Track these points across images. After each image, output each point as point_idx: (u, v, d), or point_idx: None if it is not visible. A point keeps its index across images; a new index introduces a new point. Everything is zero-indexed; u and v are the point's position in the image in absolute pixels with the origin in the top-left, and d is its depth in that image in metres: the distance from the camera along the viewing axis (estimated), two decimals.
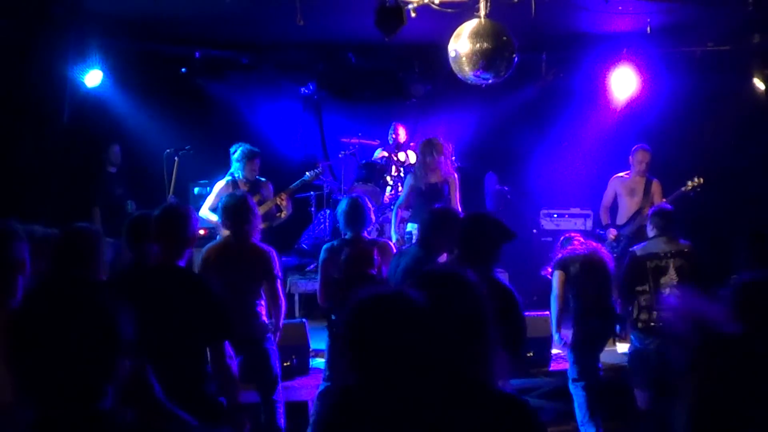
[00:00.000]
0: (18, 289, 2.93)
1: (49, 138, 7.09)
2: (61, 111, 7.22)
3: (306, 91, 9.71)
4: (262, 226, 6.62)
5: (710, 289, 5.29)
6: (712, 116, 8.40)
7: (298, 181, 7.47)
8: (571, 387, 5.54)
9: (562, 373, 5.86)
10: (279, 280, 5.04)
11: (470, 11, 6.02)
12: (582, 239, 5.78)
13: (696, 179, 7.22)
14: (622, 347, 6.55)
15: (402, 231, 7.12)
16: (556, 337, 5.74)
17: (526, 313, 6.67)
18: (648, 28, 7.25)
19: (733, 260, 4.54)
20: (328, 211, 9.30)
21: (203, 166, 8.07)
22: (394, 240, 6.91)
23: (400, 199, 7.20)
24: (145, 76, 8.48)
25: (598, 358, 5.65)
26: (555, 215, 8.89)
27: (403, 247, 6.42)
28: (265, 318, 5.03)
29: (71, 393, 1.90)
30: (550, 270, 5.74)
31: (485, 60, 5.88)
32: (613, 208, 7.79)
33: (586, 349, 5.53)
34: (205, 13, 7.24)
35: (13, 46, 6.57)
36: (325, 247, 5.32)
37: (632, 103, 8.58)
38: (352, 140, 9.37)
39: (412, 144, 9.05)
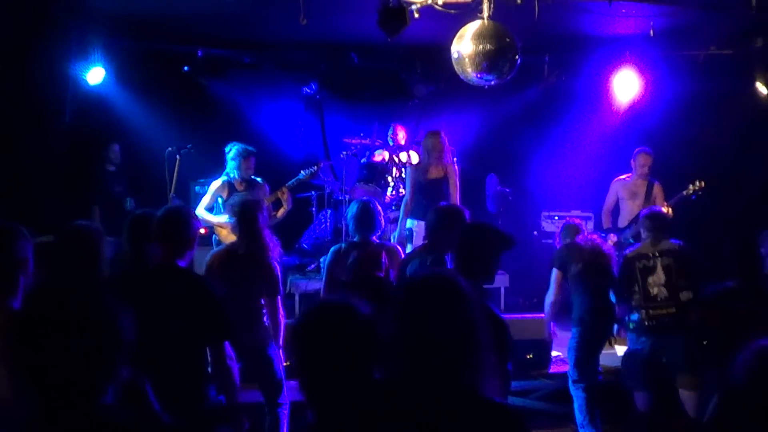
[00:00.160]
0: (19, 288, 2.93)
1: (51, 136, 7.09)
2: (63, 109, 7.21)
3: (308, 90, 9.71)
4: None
5: (697, 288, 5.36)
6: (715, 119, 8.40)
7: (293, 180, 7.46)
8: (572, 388, 5.54)
9: (562, 376, 5.87)
10: (280, 297, 5.02)
11: (473, 12, 6.02)
12: (585, 232, 5.75)
13: (698, 183, 7.23)
14: (621, 349, 6.55)
15: (402, 227, 7.13)
16: (546, 334, 5.77)
17: (526, 315, 6.77)
18: (651, 31, 7.24)
19: (722, 266, 4.59)
20: (329, 211, 9.29)
21: (204, 165, 8.06)
22: (395, 239, 6.93)
23: (407, 196, 7.20)
24: (147, 75, 8.49)
25: (598, 360, 5.66)
26: (556, 217, 8.88)
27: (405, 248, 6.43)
28: (267, 324, 5.01)
29: (71, 391, 1.90)
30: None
31: (488, 61, 5.88)
32: (615, 211, 7.79)
33: (587, 350, 5.53)
34: (207, 12, 7.24)
35: (15, 44, 6.56)
36: (332, 249, 5.31)
37: (634, 106, 8.58)
38: (354, 140, 9.36)
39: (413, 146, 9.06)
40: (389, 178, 8.92)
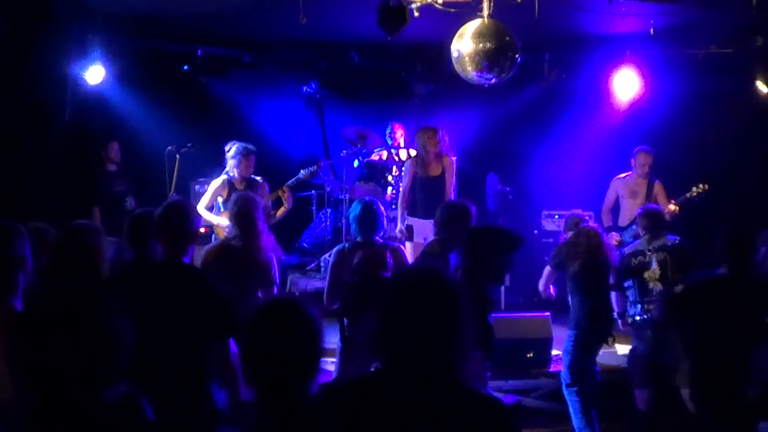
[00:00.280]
0: (19, 286, 2.93)
1: (51, 136, 7.09)
2: (63, 109, 7.22)
3: (308, 89, 9.71)
4: None
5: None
6: (715, 118, 8.40)
7: (293, 179, 7.45)
8: (565, 392, 5.45)
9: None
10: (276, 287, 5.03)
11: (473, 11, 6.01)
12: (590, 231, 5.54)
13: (701, 185, 7.22)
14: (622, 348, 6.54)
15: (404, 220, 7.13)
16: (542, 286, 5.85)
17: (527, 315, 6.75)
18: (651, 30, 7.23)
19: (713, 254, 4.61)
20: (329, 210, 9.30)
21: (204, 164, 8.06)
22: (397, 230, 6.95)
23: (404, 189, 7.19)
24: (146, 74, 8.48)
25: (594, 362, 5.62)
26: (556, 216, 8.87)
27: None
28: None
29: (70, 390, 1.91)
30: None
31: (488, 60, 5.87)
32: (615, 210, 7.79)
33: (581, 354, 5.44)
34: (207, 11, 7.23)
35: (14, 43, 6.57)
36: (336, 249, 5.28)
37: (635, 105, 8.57)
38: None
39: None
40: (389, 177, 8.92)
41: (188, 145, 7.43)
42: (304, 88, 9.69)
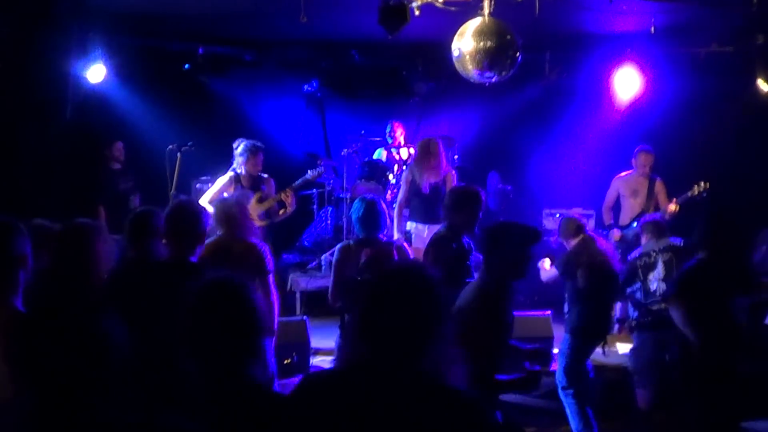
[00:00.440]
0: (19, 284, 2.93)
1: (52, 135, 7.08)
2: (64, 107, 7.22)
3: (309, 88, 9.71)
4: (262, 223, 6.63)
5: None
6: (716, 117, 8.38)
7: (300, 180, 7.45)
8: (561, 395, 5.40)
9: None
10: (271, 275, 5.03)
11: (474, 10, 6.01)
12: (590, 238, 5.48)
13: (702, 184, 7.21)
14: (622, 348, 6.54)
15: (402, 229, 7.10)
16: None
17: (527, 313, 6.74)
18: (652, 29, 7.23)
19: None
20: (330, 209, 9.30)
21: (205, 163, 8.07)
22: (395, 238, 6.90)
23: (401, 196, 7.17)
24: (148, 73, 8.49)
25: (587, 362, 5.58)
26: (557, 215, 8.86)
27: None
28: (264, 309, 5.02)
29: (71, 391, 1.91)
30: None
31: (489, 59, 5.87)
32: (616, 208, 7.78)
33: (578, 358, 5.40)
34: (208, 10, 7.24)
35: (15, 42, 6.56)
36: (339, 247, 5.25)
37: (635, 104, 8.56)
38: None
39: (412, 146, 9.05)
40: (390, 176, 8.91)
41: (189, 143, 7.41)
42: (305, 86, 9.70)
